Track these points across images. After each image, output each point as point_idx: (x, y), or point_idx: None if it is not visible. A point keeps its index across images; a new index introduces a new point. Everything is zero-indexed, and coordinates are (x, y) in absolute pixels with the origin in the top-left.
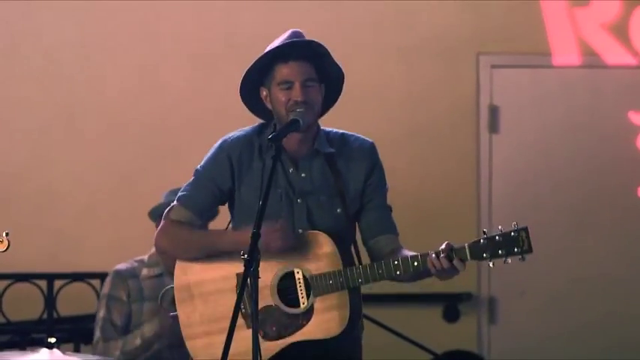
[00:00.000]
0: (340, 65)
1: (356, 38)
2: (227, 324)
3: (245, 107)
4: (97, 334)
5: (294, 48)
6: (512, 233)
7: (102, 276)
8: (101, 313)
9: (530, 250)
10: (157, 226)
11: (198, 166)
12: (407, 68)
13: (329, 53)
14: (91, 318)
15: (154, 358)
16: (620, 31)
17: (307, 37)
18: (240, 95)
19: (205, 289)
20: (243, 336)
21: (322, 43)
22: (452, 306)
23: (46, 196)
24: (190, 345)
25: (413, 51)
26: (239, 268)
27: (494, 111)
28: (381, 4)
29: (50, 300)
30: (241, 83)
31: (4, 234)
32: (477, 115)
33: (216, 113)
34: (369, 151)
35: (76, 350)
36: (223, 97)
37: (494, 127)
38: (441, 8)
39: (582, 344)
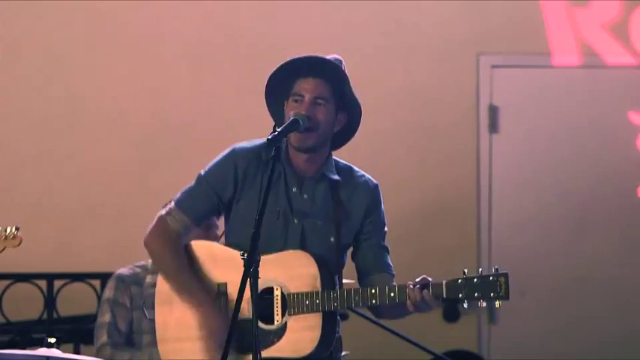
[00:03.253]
0: (359, 100)
1: (356, 38)
2: (198, 332)
3: (245, 108)
4: (104, 338)
5: (316, 65)
6: (492, 278)
7: (102, 276)
8: (106, 318)
9: (506, 297)
10: None
11: (202, 171)
12: (407, 68)
13: (348, 82)
14: (91, 318)
15: None
16: (620, 31)
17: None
18: (268, 108)
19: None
20: (201, 348)
21: (341, 68)
22: (452, 306)
23: (46, 196)
24: (161, 348)
25: (413, 51)
26: (221, 278)
27: (494, 111)
28: (381, 4)
29: (50, 300)
30: (266, 95)
31: (13, 229)
32: (477, 115)
33: (216, 114)
34: (372, 190)
35: (76, 350)
36: (224, 97)
37: (494, 127)
38: (441, 8)
39: (582, 344)
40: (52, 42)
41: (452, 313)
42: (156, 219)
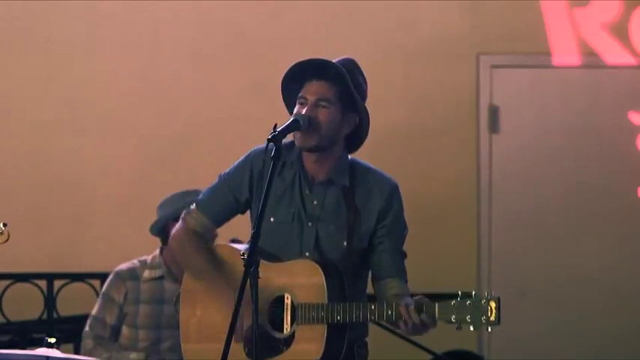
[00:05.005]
0: (365, 104)
1: (356, 38)
2: (219, 333)
3: (246, 108)
4: (86, 329)
5: (320, 68)
6: (483, 302)
7: (102, 276)
8: (94, 311)
9: (497, 322)
10: (161, 242)
11: (223, 172)
12: (407, 68)
13: (349, 84)
14: None
15: None
16: (620, 31)
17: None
18: (287, 108)
19: (208, 294)
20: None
21: (344, 70)
22: None
23: (46, 196)
24: (184, 347)
25: (413, 51)
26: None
27: (494, 111)
28: (381, 5)
29: (50, 300)
30: (285, 102)
31: (1, 225)
32: (477, 115)
33: (217, 114)
34: (388, 192)
35: (76, 350)
36: (225, 98)
37: (494, 127)
38: (441, 8)
39: (582, 344)
40: (52, 42)
41: None
42: (180, 219)
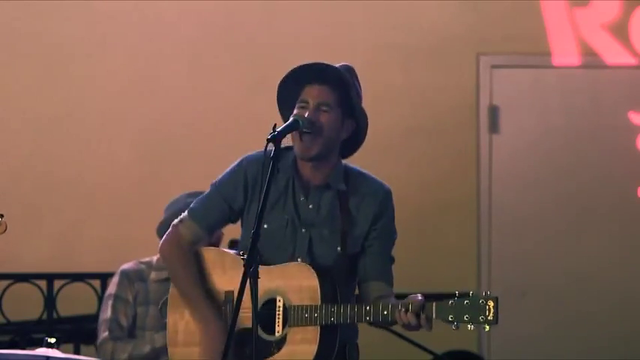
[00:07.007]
0: (364, 109)
1: (356, 38)
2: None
3: (245, 109)
4: (105, 334)
5: (322, 72)
6: (481, 301)
7: (102, 276)
8: (107, 314)
9: (495, 321)
10: None
11: (215, 180)
12: (407, 68)
13: (354, 89)
14: (91, 318)
15: None
16: (620, 31)
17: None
18: (282, 117)
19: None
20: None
21: (346, 75)
22: None
23: (46, 196)
24: (171, 351)
25: (413, 51)
26: (230, 285)
27: (494, 111)
28: (381, 4)
29: (50, 300)
30: (279, 105)
31: None
32: (477, 115)
33: (217, 115)
34: (382, 197)
35: (76, 350)
36: (225, 98)
37: (494, 127)
38: (441, 8)
39: (582, 344)
40: (52, 42)
41: None
42: (171, 227)
